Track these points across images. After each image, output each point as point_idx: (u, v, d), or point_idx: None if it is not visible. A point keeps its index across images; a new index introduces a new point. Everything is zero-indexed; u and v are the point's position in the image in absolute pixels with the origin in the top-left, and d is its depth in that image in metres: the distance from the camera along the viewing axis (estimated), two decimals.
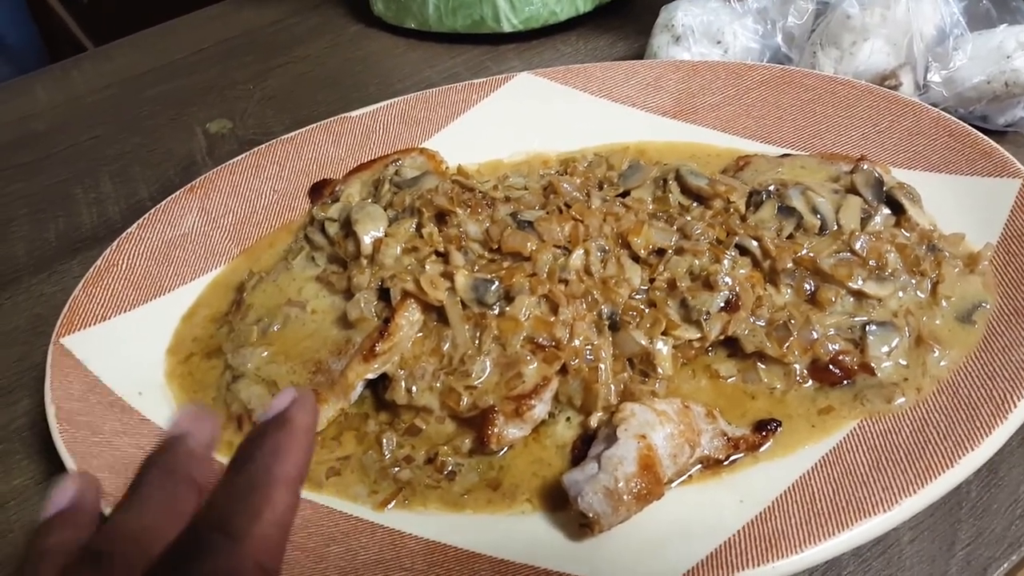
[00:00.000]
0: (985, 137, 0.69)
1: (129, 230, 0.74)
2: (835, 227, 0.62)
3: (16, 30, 1.72)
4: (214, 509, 0.32)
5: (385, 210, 0.66)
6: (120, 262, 0.71)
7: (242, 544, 0.30)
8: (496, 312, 0.58)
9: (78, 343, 0.65)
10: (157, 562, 0.30)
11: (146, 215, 0.76)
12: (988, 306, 0.59)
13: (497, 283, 0.59)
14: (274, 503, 0.31)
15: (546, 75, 0.85)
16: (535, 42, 1.06)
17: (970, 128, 0.70)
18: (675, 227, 0.63)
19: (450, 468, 0.55)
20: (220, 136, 1.00)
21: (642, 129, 0.80)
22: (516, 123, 0.82)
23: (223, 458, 0.58)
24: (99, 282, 0.69)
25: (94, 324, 0.67)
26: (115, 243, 0.73)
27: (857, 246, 0.60)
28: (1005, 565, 0.51)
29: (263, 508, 0.31)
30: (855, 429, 0.54)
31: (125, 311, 0.69)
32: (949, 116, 0.72)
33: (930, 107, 0.74)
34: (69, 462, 0.55)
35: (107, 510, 0.52)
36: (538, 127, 0.82)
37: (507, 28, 1.03)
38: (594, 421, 0.56)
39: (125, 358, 0.65)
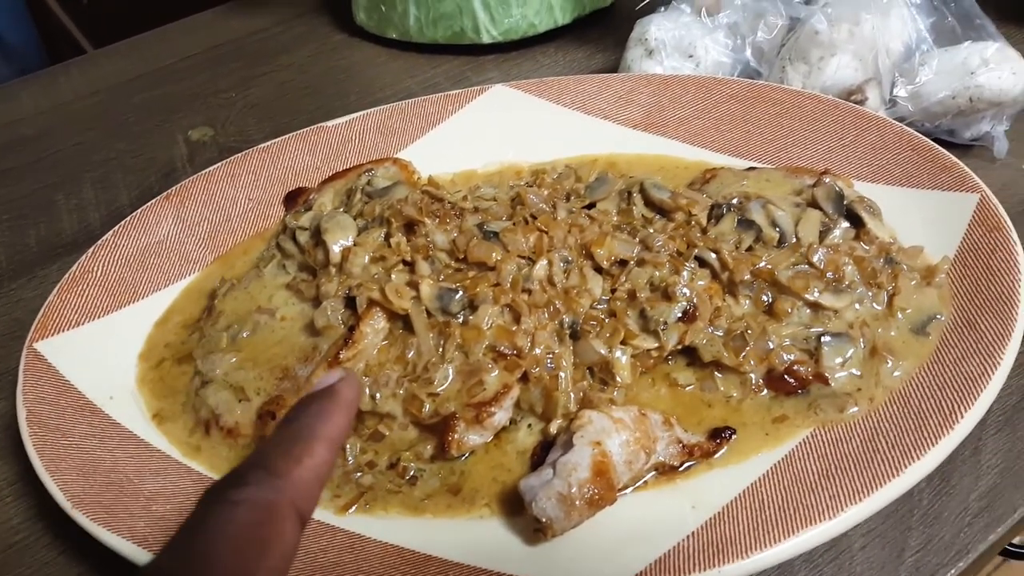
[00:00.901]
0: (946, 152, 0.70)
1: (104, 237, 0.75)
2: (794, 240, 0.64)
3: (16, 30, 1.73)
4: (260, 452, 0.36)
5: (355, 219, 0.68)
6: (95, 269, 0.72)
7: (281, 481, 0.34)
8: (460, 321, 0.59)
9: (51, 348, 0.66)
10: (205, 491, 0.33)
11: (122, 223, 0.77)
12: (943, 318, 0.60)
13: (461, 292, 0.60)
14: (313, 454, 0.35)
15: (520, 87, 0.86)
16: (514, 53, 1.08)
17: (931, 143, 0.71)
18: (637, 239, 0.64)
19: (411, 473, 0.56)
20: (201, 144, 1.01)
21: (613, 141, 0.82)
22: (490, 134, 0.83)
23: (189, 460, 0.59)
24: (74, 288, 0.70)
25: (68, 329, 0.68)
26: (90, 250, 0.74)
27: (815, 259, 0.62)
28: (952, 571, 0.52)
29: (303, 456, 0.35)
30: (807, 438, 0.55)
31: (99, 317, 0.70)
32: (912, 131, 0.73)
33: (894, 121, 0.75)
34: (38, 464, 0.56)
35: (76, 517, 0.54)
36: (511, 138, 0.83)
37: (487, 39, 1.05)
38: (554, 428, 0.57)
39: (98, 363, 0.66)
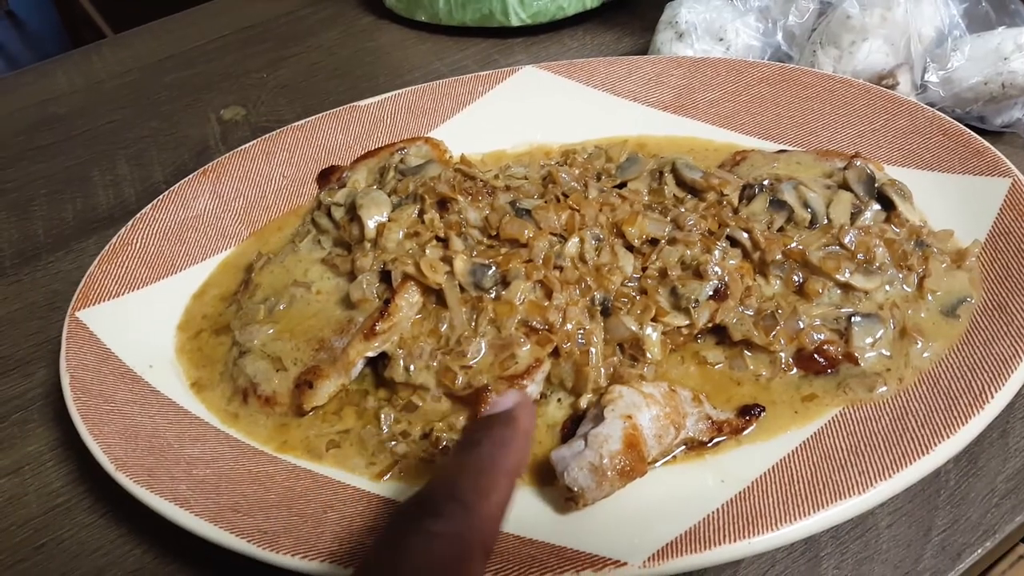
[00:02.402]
0: (977, 136, 0.70)
1: (143, 211, 0.77)
2: (825, 221, 0.64)
3: (38, 14, 1.76)
4: (449, 481, 0.35)
5: (389, 196, 0.69)
6: (134, 241, 0.74)
7: (471, 515, 0.33)
8: (492, 296, 0.60)
9: (93, 317, 0.67)
10: (396, 512, 0.34)
11: (160, 197, 0.78)
12: (973, 301, 0.60)
13: (494, 268, 0.61)
14: (499, 488, 0.35)
15: (550, 69, 0.87)
16: (542, 36, 1.08)
17: (963, 127, 0.71)
18: (669, 218, 0.64)
19: (444, 443, 0.57)
20: (234, 123, 1.03)
21: (643, 123, 0.82)
22: (520, 115, 0.84)
23: (227, 427, 0.61)
24: (114, 259, 0.72)
25: (108, 299, 0.69)
26: (130, 223, 0.75)
27: (846, 240, 0.62)
28: (979, 551, 0.53)
29: (490, 490, 0.34)
30: (836, 416, 0.55)
31: (138, 288, 0.71)
32: (943, 115, 0.73)
33: (925, 106, 0.75)
34: (82, 428, 0.58)
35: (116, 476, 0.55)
36: (541, 119, 0.84)
37: (515, 22, 1.05)
38: (584, 402, 0.58)
39: (137, 333, 0.67)
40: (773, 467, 0.52)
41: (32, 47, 1.76)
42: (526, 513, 0.52)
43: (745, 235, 0.62)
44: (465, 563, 0.32)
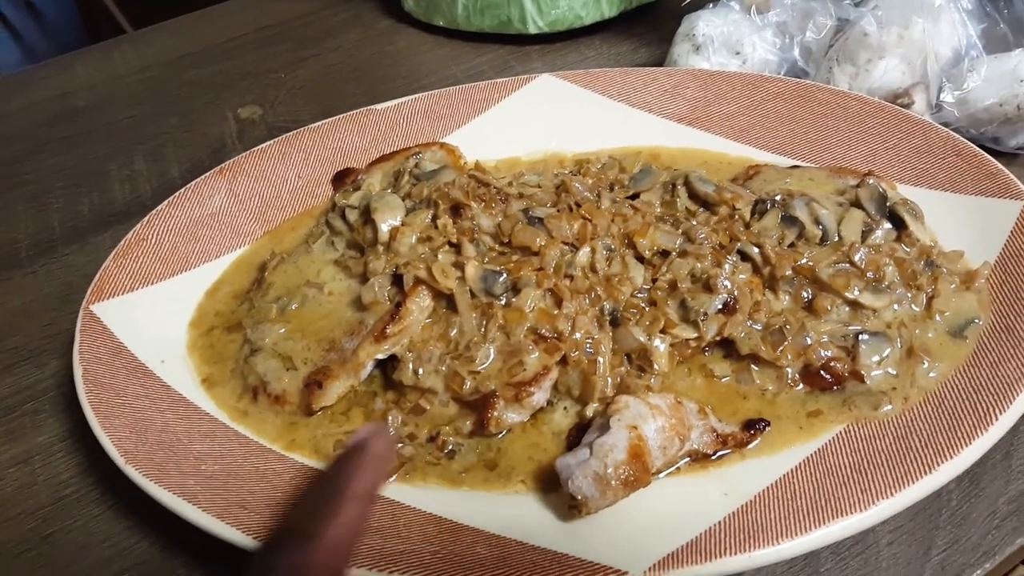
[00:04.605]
0: (991, 158, 0.70)
1: (159, 207, 0.78)
2: (836, 238, 0.64)
3: (56, 4, 1.78)
4: (294, 514, 0.38)
5: (403, 200, 0.69)
6: (149, 237, 0.75)
7: (312, 542, 0.35)
8: (503, 303, 0.61)
9: (106, 311, 0.68)
10: (252, 556, 0.36)
11: (176, 194, 0.79)
12: (981, 323, 0.60)
13: (505, 275, 0.61)
14: (343, 513, 0.37)
15: (567, 77, 0.87)
16: (559, 44, 1.09)
17: (977, 149, 0.71)
18: (680, 230, 0.65)
19: (450, 447, 0.58)
20: (251, 121, 1.04)
21: (657, 134, 0.83)
22: (535, 123, 0.85)
23: (236, 424, 0.62)
24: (129, 255, 0.73)
25: (122, 294, 0.70)
26: (146, 219, 0.76)
27: (856, 258, 0.62)
28: (978, 572, 0.53)
29: (332, 517, 0.37)
30: (841, 433, 0.56)
31: (152, 283, 0.72)
32: (957, 136, 0.73)
33: (939, 126, 0.75)
34: (93, 421, 0.58)
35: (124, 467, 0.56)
36: (556, 127, 0.84)
37: (533, 30, 1.06)
38: (590, 411, 0.58)
39: (150, 328, 0.68)
40: (776, 482, 0.53)
41: (49, 36, 1.78)
42: (528, 519, 0.53)
43: (756, 250, 0.62)
44: None
